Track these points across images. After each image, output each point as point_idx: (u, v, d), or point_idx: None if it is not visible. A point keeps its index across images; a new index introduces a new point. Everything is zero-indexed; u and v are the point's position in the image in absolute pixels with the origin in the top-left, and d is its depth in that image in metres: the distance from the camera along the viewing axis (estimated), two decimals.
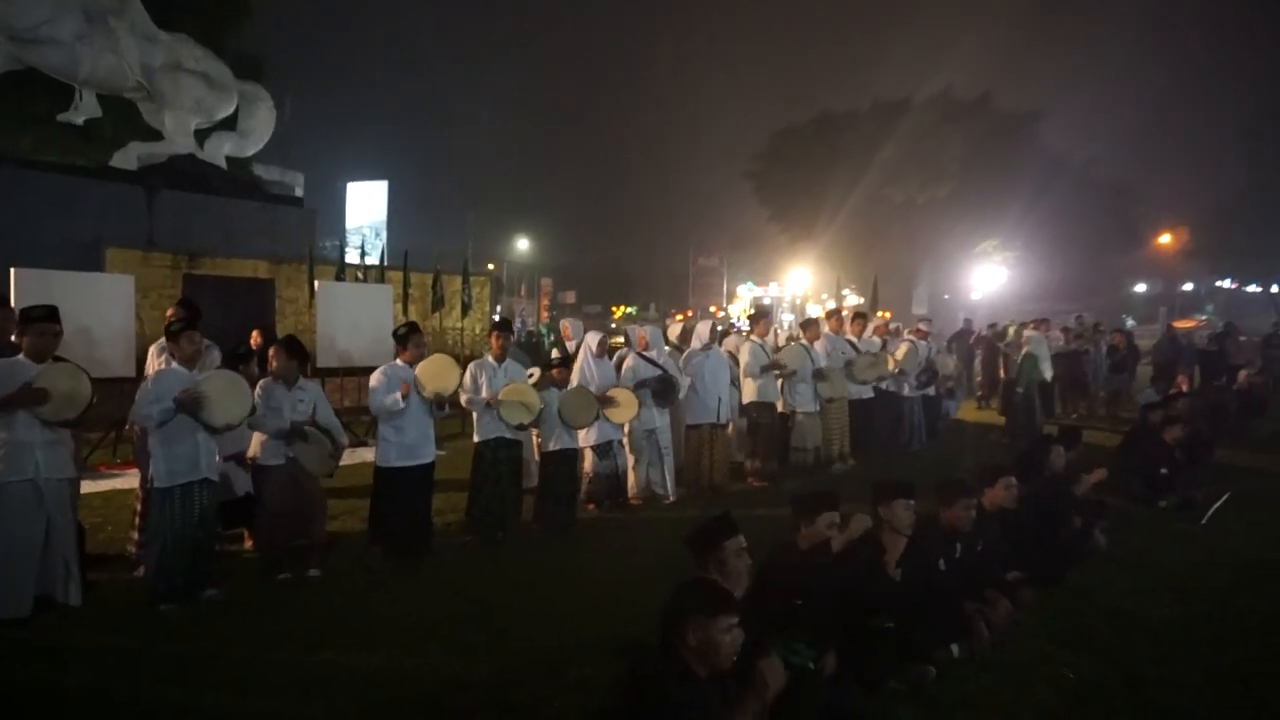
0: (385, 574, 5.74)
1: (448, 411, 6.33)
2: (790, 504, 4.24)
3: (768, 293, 54.69)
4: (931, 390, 11.41)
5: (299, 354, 5.69)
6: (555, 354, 8.66)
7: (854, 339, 10.22)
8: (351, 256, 19.88)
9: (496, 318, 23.72)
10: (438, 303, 14.41)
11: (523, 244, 59.37)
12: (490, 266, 46.65)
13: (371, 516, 6.10)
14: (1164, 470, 7.82)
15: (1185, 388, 13.08)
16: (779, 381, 9.02)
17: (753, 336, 9.19)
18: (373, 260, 16.28)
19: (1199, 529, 6.99)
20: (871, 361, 9.85)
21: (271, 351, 5.70)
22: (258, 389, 5.51)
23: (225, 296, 12.56)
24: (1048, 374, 12.55)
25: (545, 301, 53.29)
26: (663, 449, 7.99)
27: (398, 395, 5.83)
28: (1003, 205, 38.19)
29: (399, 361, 6.08)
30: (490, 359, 6.73)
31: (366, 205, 45.33)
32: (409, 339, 6.12)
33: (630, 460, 7.88)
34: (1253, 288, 38.42)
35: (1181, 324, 28.33)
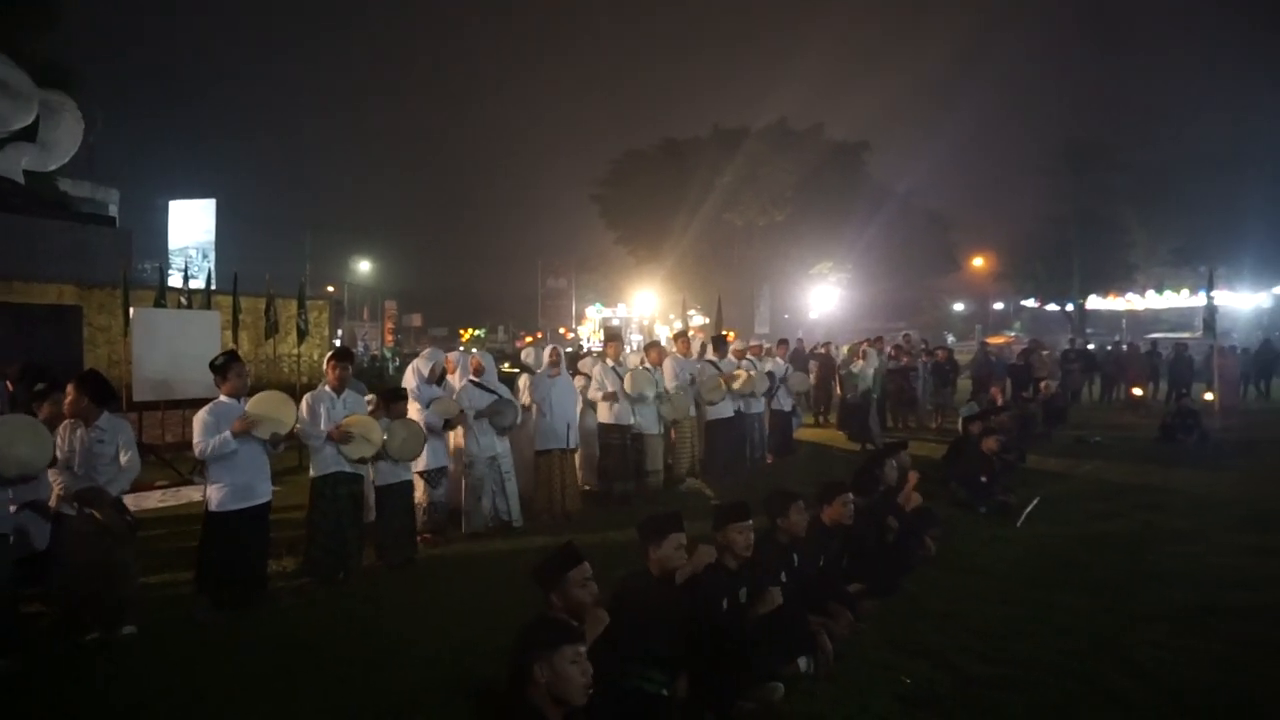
0: (215, 627, 5.31)
1: (283, 449, 5.96)
2: (637, 529, 4.25)
3: (616, 314, 55.26)
4: (788, 405, 11.90)
5: (94, 390, 5.17)
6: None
7: (715, 360, 10.47)
8: (175, 280, 18.54)
9: (337, 343, 22.63)
10: (271, 329, 13.62)
11: (364, 266, 57.39)
12: (330, 289, 44.81)
13: (198, 563, 5.62)
14: (984, 478, 8.42)
15: (999, 400, 14.17)
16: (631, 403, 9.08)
17: (606, 358, 9.22)
18: (198, 284, 15.21)
19: (1015, 531, 7.58)
20: (715, 383, 10.09)
21: (68, 389, 5.18)
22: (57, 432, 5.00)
23: (25, 326, 11.36)
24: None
25: (389, 325, 51.62)
26: (504, 474, 7.86)
27: (228, 435, 5.42)
28: (836, 230, 40.38)
29: (224, 397, 5.63)
30: (328, 389, 6.40)
31: (191, 225, 42.56)
32: (229, 369, 5.63)
33: (462, 488, 7.72)
34: (1052, 307, 42.27)
35: (994, 340, 30.81)
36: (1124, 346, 22.55)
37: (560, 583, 3.28)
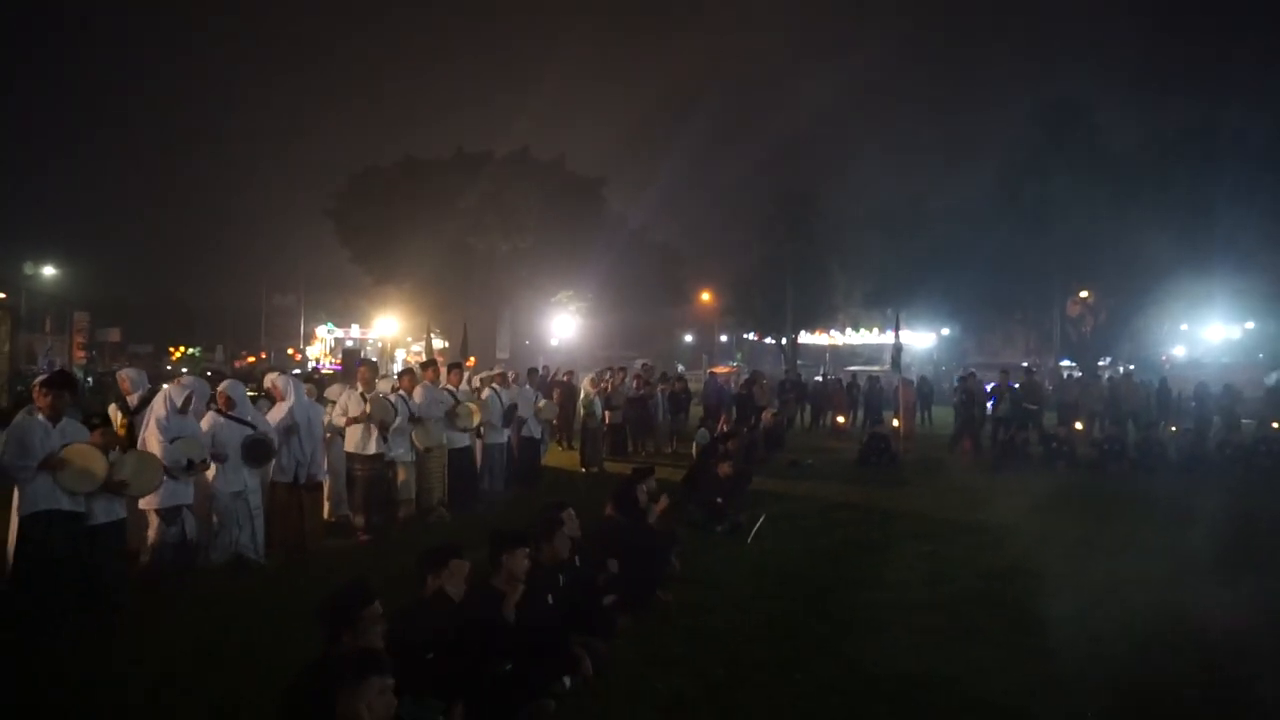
0: None
1: None
2: (417, 560, 4.32)
3: (349, 335, 52.70)
4: (537, 433, 12.19)
5: None
6: (114, 412, 7.61)
7: (453, 388, 10.46)
8: None
9: (47, 366, 19.72)
10: None
11: (47, 271, 50.13)
12: (0, 295, 38.61)
13: None
14: (719, 500, 9.24)
15: (726, 427, 15.46)
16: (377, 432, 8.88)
17: (356, 386, 8.97)
18: None
19: (746, 548, 8.40)
20: (469, 411, 10.17)
21: None
22: None
23: None
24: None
25: (80, 340, 45.32)
26: (253, 510, 7.45)
27: None
28: (576, 259, 41.57)
29: None
30: (41, 417, 5.73)
31: None
32: None
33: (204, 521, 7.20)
34: (769, 340, 46.46)
35: (718, 370, 33.30)
36: (829, 379, 25.39)
37: (353, 621, 3.28)
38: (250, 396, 9.25)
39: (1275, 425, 17.24)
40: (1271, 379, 25.29)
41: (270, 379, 8.67)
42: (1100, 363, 33.00)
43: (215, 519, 7.21)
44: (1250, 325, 31.65)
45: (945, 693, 4.83)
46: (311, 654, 3.35)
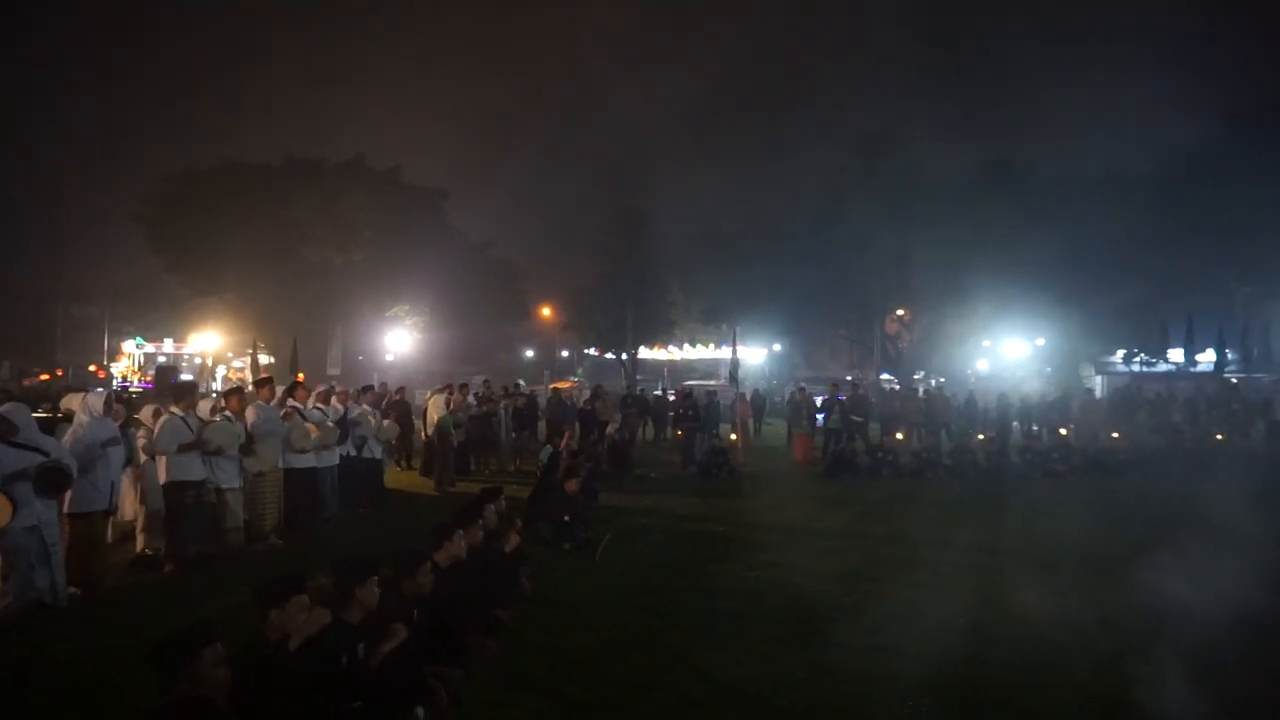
0: None
1: None
2: (254, 597, 4.02)
3: (161, 350, 48.71)
4: (379, 453, 11.71)
5: None
6: None
7: (301, 406, 9.90)
8: None
9: None
10: None
11: None
12: None
13: None
14: (567, 517, 9.17)
15: (568, 442, 15.40)
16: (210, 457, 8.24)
17: (174, 409, 8.25)
18: None
19: (595, 564, 8.38)
20: (305, 431, 9.63)
21: None
22: None
23: None
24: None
25: None
26: (50, 546, 6.68)
27: None
28: (413, 273, 40.39)
29: None
30: None
31: None
32: None
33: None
34: (610, 355, 46.89)
35: (560, 385, 33.27)
36: (670, 393, 25.87)
37: (191, 664, 2.99)
38: (45, 418, 8.36)
39: (1063, 432, 19.19)
40: (1031, 386, 27.78)
41: (71, 399, 7.86)
42: (915, 376, 35.49)
43: (7, 560, 6.39)
44: (1041, 341, 34.90)
45: (797, 697, 5.00)
46: (138, 706, 3.05)
